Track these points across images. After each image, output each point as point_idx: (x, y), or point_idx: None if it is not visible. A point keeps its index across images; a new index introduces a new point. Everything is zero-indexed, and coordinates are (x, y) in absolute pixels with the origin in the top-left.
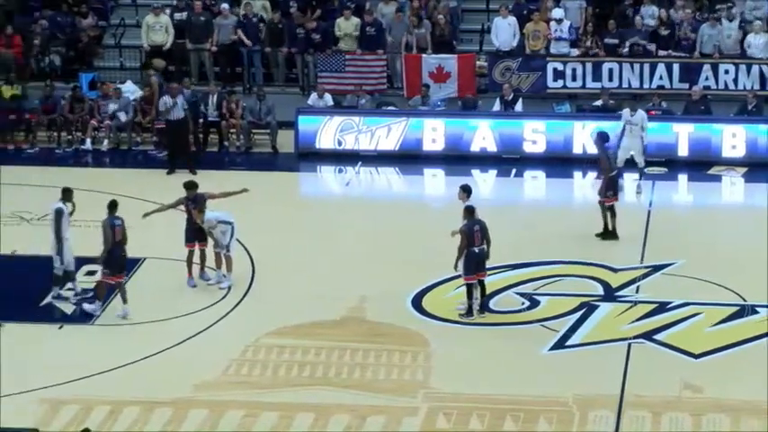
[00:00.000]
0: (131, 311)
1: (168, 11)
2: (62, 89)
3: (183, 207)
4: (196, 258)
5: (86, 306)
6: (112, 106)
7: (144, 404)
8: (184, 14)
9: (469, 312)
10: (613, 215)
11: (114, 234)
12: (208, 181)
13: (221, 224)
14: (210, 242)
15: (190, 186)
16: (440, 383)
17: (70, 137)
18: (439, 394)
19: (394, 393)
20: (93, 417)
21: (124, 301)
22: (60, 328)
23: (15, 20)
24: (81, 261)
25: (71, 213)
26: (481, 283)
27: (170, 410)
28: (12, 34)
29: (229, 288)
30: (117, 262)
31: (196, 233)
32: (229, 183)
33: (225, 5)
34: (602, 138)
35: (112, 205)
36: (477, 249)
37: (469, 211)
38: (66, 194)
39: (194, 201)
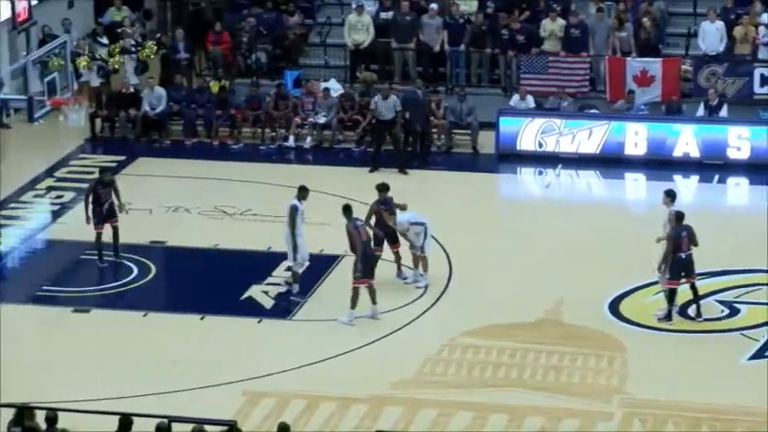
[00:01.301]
0: (378, 312)
1: (371, 10)
2: (267, 86)
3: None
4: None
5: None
6: (317, 105)
7: (340, 400)
8: (390, 14)
9: (668, 317)
10: None
11: (360, 235)
12: (409, 180)
13: (414, 225)
14: (406, 243)
15: (382, 188)
16: (635, 389)
17: (274, 134)
18: (634, 400)
19: (588, 397)
20: (289, 411)
21: (373, 301)
22: (259, 322)
23: (225, 17)
24: (279, 257)
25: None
26: (693, 287)
27: (365, 407)
28: (221, 31)
29: (426, 287)
30: (369, 262)
31: (387, 235)
32: (430, 182)
33: (434, 5)
34: None
35: (348, 209)
36: (683, 255)
37: (678, 217)
38: (302, 192)
39: (385, 203)
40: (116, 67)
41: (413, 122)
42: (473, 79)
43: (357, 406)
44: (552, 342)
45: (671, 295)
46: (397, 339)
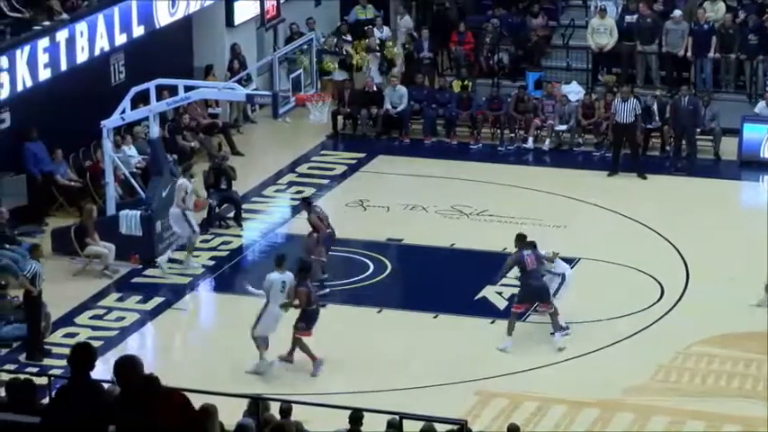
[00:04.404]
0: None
1: (614, 13)
2: (508, 87)
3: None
4: None
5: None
6: (555, 112)
7: (571, 403)
8: (634, 17)
9: None
10: None
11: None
12: (648, 185)
13: (550, 274)
14: None
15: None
16: None
17: (513, 135)
18: None
19: None
20: (520, 412)
21: None
22: (492, 323)
23: (469, 18)
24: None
25: None
26: None
27: (597, 411)
28: (465, 31)
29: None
30: None
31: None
32: (669, 187)
33: (678, 12)
34: None
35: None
36: None
37: None
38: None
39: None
40: (359, 64)
41: (674, 128)
42: (720, 84)
43: (588, 410)
44: None
45: None
46: (631, 345)
